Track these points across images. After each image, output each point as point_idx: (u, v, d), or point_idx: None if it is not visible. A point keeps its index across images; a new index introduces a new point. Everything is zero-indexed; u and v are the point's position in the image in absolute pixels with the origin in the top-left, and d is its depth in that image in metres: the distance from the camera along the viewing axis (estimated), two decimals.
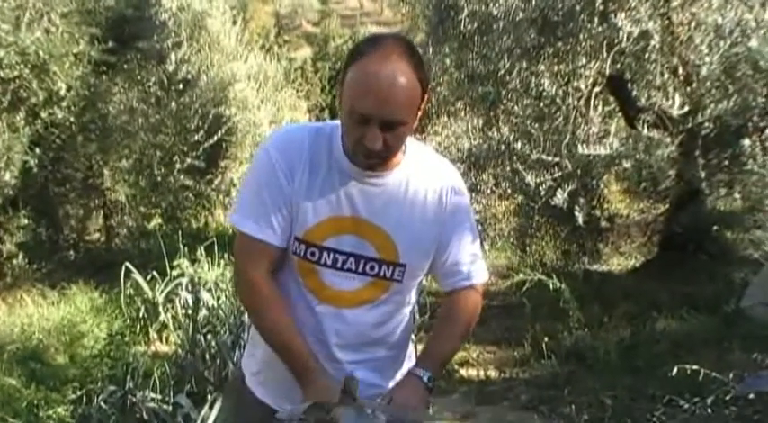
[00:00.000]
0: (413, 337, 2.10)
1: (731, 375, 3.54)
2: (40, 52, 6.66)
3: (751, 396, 3.34)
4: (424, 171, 1.76)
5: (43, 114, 7.14)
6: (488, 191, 8.43)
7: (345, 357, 1.77)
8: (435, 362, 1.77)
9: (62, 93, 7.08)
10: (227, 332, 4.47)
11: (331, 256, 1.72)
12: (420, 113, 1.64)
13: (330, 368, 1.72)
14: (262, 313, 1.76)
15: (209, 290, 5.01)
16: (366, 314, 1.78)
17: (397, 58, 1.55)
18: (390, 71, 1.53)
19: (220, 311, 4.74)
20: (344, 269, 1.73)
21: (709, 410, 3.50)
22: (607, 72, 6.05)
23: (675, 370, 3.70)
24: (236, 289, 1.94)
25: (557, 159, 6.14)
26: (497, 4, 6.35)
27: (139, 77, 8.70)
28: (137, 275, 5.59)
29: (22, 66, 6.62)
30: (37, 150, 7.13)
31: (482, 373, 5.29)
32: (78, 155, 8.16)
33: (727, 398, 3.46)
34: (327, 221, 1.71)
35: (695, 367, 3.61)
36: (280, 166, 1.69)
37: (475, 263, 1.86)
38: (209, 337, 4.48)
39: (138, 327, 5.67)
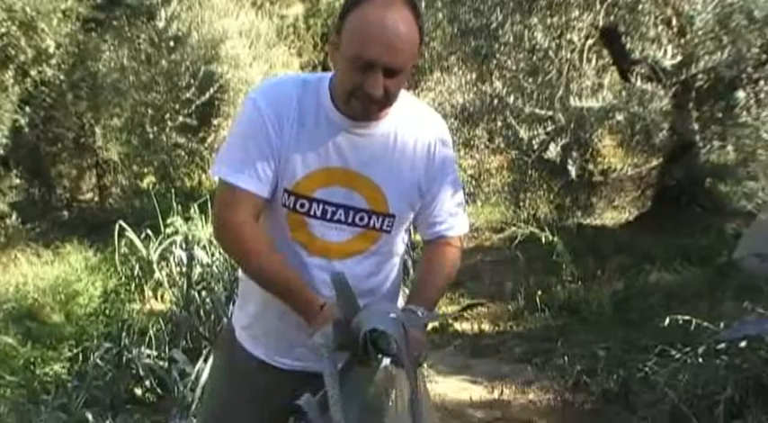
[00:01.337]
0: (405, 289, 2.11)
1: (722, 325, 3.57)
2: (27, 9, 6.58)
3: (741, 345, 3.36)
4: (412, 122, 1.76)
5: (32, 72, 7.08)
6: (482, 146, 8.42)
7: None
8: (423, 303, 1.76)
9: (51, 50, 7.01)
10: (222, 288, 4.49)
11: (320, 207, 1.72)
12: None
13: None
14: (248, 255, 1.74)
15: (203, 247, 5.01)
16: (356, 266, 1.78)
17: (400, 5, 1.58)
18: (394, 19, 1.56)
19: (214, 268, 4.75)
20: (334, 220, 1.73)
21: (699, 360, 3.53)
22: (600, 24, 6.00)
23: (668, 321, 3.73)
24: (217, 237, 1.91)
25: (550, 113, 6.10)
26: None
27: (129, 34, 8.59)
28: (131, 234, 5.58)
29: (9, 23, 6.55)
30: (27, 109, 7.08)
31: (476, 326, 5.32)
32: (69, 113, 8.11)
33: (718, 347, 3.48)
34: (316, 172, 1.70)
35: (687, 318, 3.64)
36: (269, 118, 1.68)
37: (457, 215, 1.88)
38: (203, 293, 4.51)
39: (133, 285, 5.68)
